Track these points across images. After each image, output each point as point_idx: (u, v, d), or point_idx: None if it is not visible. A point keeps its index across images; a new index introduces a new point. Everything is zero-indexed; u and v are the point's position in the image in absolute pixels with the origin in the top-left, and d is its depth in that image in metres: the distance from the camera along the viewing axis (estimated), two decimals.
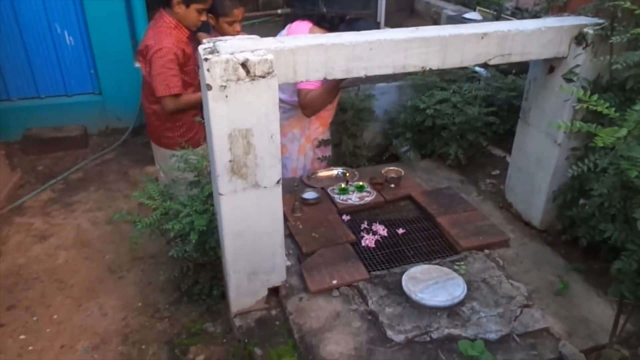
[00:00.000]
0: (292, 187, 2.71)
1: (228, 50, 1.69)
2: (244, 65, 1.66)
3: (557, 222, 2.58)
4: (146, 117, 2.96)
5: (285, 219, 2.54)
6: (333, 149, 3.38)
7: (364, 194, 2.87)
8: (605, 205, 1.56)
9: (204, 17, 2.68)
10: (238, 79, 1.67)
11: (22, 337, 2.36)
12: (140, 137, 4.35)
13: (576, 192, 2.41)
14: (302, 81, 1.87)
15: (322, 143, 3.15)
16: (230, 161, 1.79)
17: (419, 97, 3.45)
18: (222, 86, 1.66)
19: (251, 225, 1.94)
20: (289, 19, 3.34)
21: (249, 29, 2.78)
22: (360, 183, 2.95)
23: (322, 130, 3.12)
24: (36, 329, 2.41)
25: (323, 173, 3.13)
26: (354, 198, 2.84)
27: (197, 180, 2.41)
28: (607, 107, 1.46)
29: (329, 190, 2.89)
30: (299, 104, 2.72)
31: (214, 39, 1.82)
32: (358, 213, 2.75)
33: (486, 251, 2.45)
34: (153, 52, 2.60)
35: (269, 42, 1.81)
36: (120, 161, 4.04)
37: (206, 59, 1.63)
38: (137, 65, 2.89)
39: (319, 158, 3.20)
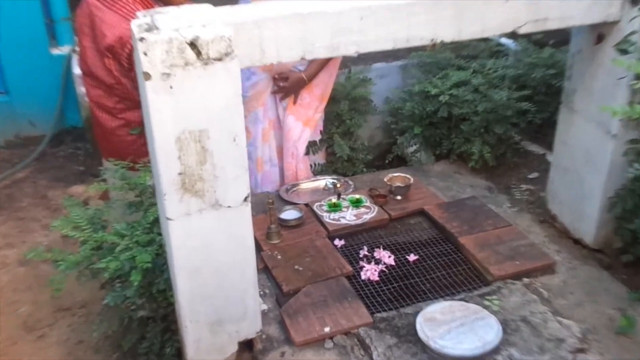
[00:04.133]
0: (265, 205, 2.68)
1: (171, 26, 1.66)
2: (193, 45, 1.64)
3: (615, 238, 2.58)
4: (107, 133, 2.92)
5: (259, 248, 2.53)
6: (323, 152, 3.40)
7: (362, 210, 2.86)
8: None
9: None
10: (186, 64, 1.64)
11: None
12: (63, 147, 4.31)
13: (639, 198, 2.41)
14: (272, 63, 1.87)
15: (313, 148, 3.24)
16: (180, 174, 1.76)
17: (429, 79, 3.44)
18: (164, 74, 1.64)
19: (212, 259, 1.91)
20: None
21: None
22: (357, 196, 2.94)
23: (310, 131, 3.24)
24: None
25: (306, 185, 3.14)
26: (348, 216, 2.83)
27: (139, 200, 2.40)
28: None
29: (315, 207, 2.88)
30: None
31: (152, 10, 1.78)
32: (355, 236, 2.74)
33: (525, 280, 2.45)
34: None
35: (226, 12, 1.80)
36: (37, 180, 3.99)
37: (142, 39, 1.60)
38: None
39: (312, 165, 3.28)
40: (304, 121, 3.21)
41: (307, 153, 3.28)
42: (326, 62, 3.08)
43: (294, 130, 3.21)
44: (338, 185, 3.09)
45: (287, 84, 3.10)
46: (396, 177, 3.05)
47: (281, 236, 2.67)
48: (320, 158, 3.36)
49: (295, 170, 3.28)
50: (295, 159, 3.25)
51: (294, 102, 3.17)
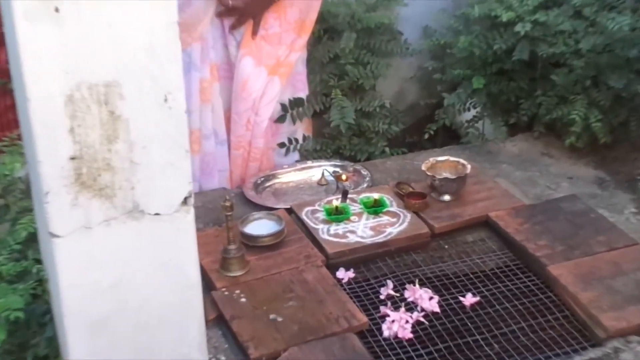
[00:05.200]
0: (219, 212, 2.56)
1: None
2: None
3: None
4: None
5: (209, 286, 2.42)
6: (314, 121, 3.27)
7: (385, 219, 2.70)
8: None
9: None
10: None
11: None
12: None
13: None
14: None
15: (296, 110, 3.01)
16: (72, 159, 1.66)
17: None
18: None
19: (129, 304, 1.84)
20: None
21: None
22: (375, 195, 2.77)
23: (280, 83, 2.97)
24: None
25: (289, 176, 2.97)
26: (361, 230, 2.64)
27: (3, 204, 2.33)
28: None
29: (304, 214, 2.73)
30: None
31: None
32: (373, 263, 2.61)
33: None
34: None
35: None
36: None
37: None
38: None
39: (279, 145, 3.09)
40: (270, 66, 2.98)
41: (280, 120, 3.07)
42: None
43: (254, 80, 2.97)
44: (343, 177, 2.89)
45: (241, 2, 2.88)
46: (442, 162, 2.84)
47: (247, 264, 2.49)
48: (303, 129, 3.16)
49: (247, 151, 3.07)
50: (252, 131, 3.03)
51: (254, 34, 2.94)
